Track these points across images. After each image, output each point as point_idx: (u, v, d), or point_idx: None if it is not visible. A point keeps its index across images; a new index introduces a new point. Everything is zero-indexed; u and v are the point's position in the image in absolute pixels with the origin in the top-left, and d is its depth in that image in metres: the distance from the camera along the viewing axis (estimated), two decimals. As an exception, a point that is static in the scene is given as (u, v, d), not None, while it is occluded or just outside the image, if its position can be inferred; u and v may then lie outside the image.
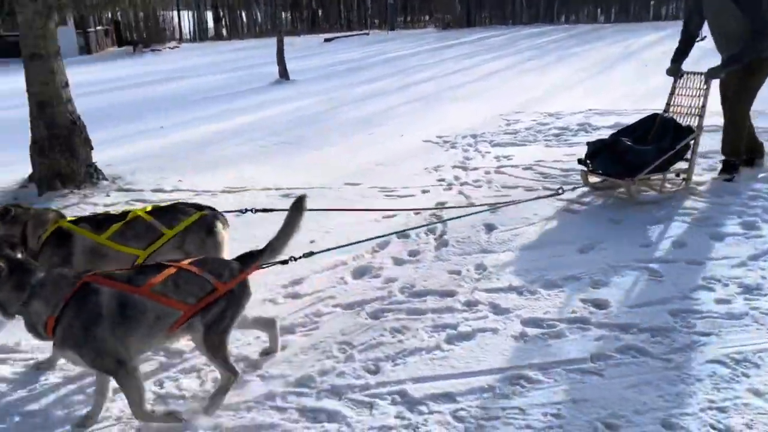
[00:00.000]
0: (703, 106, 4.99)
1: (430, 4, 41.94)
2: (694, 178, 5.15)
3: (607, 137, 5.25)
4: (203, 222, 3.28)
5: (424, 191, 5.58)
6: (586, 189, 5.16)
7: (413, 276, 3.81)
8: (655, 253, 3.97)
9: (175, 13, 35.33)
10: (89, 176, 5.91)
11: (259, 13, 38.87)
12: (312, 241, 4.23)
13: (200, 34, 35.69)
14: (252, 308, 3.43)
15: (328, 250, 3.50)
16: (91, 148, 6.03)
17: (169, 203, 3.60)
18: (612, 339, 3.00)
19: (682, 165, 5.06)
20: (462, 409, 2.56)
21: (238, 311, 2.61)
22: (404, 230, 4.37)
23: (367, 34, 31.71)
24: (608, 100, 9.85)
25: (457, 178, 5.96)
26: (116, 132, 8.81)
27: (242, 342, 3.14)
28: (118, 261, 3.12)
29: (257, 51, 22.68)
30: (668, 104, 5.33)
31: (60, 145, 5.66)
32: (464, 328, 3.16)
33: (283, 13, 26.17)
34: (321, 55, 21.39)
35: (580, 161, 5.06)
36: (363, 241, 3.81)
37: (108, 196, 5.72)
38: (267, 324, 3.01)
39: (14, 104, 11.29)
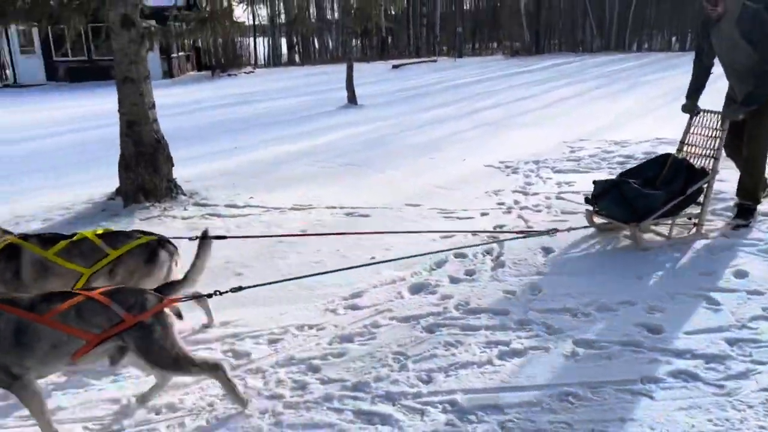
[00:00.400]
0: (719, 148, 4.70)
1: (498, 32, 42.14)
2: (706, 224, 4.79)
3: (614, 177, 5.04)
4: (146, 248, 3.35)
5: (483, 214, 5.69)
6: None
7: (468, 294, 3.93)
8: (715, 281, 3.93)
9: (252, 39, 37.00)
10: (169, 191, 6.35)
11: (330, 41, 40.15)
12: (372, 257, 4.44)
13: (274, 59, 37.19)
14: (314, 317, 3.68)
15: (315, 274, 3.67)
16: (173, 165, 6.49)
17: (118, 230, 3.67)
18: (664, 363, 3.02)
19: (693, 209, 4.80)
20: (510, 420, 2.66)
21: (160, 340, 2.56)
22: (460, 247, 4.52)
23: (435, 61, 32.12)
24: (678, 130, 9.65)
25: (516, 202, 6.04)
26: (194, 151, 9.36)
27: (302, 347, 3.34)
28: (65, 277, 3.23)
29: (327, 77, 23.42)
30: (682, 143, 5.03)
31: (145, 161, 6.13)
32: (516, 345, 3.26)
33: (353, 40, 27.01)
34: (389, 81, 21.86)
35: (587, 200, 4.89)
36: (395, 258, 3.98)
37: (186, 210, 6.13)
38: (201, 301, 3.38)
39: (105, 123, 12.18)
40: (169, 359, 2.58)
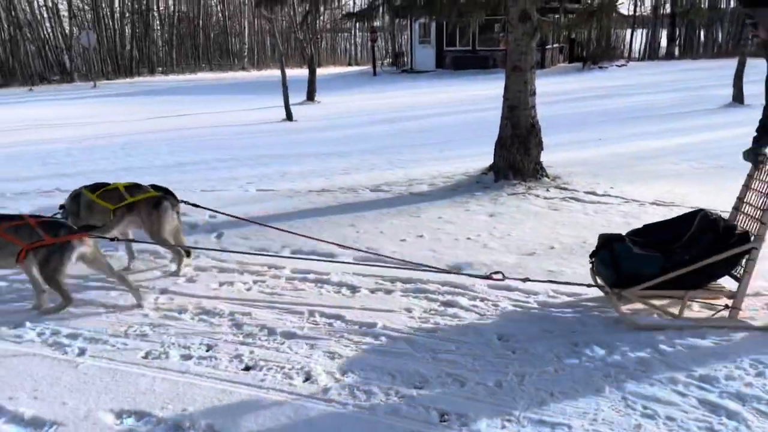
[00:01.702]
0: (766, 209, 3.41)
1: None
2: (745, 309, 3.53)
3: (619, 231, 3.90)
4: (153, 198, 4.43)
5: None
6: None
7: None
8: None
9: (629, 32, 35.53)
10: (535, 172, 6.91)
11: (720, 33, 35.94)
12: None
13: (650, 53, 35.11)
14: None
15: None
16: (541, 149, 7.02)
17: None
18: None
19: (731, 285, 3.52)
20: None
21: (60, 258, 3.73)
22: None
23: None
24: None
25: None
26: (558, 138, 9.76)
27: (651, 334, 3.46)
28: (102, 212, 4.42)
29: (709, 72, 21.26)
30: (740, 200, 3.77)
31: (519, 143, 6.79)
32: None
33: (748, 34, 23.69)
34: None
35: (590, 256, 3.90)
36: None
37: (548, 191, 6.61)
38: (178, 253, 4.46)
39: (482, 107, 13.52)
40: (56, 272, 3.76)
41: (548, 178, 7.04)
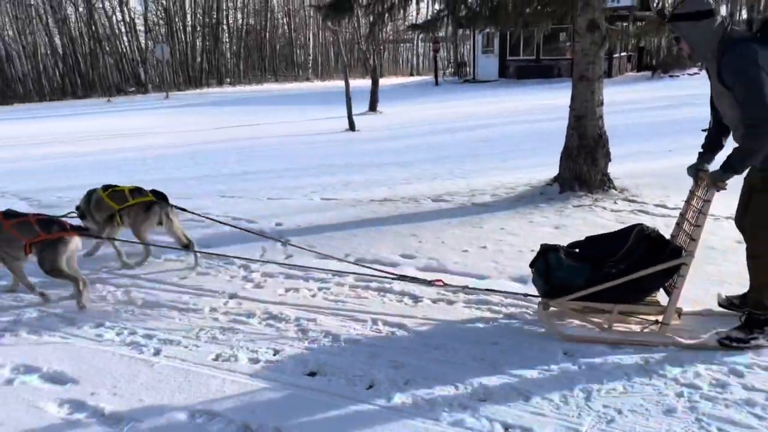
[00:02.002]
0: (697, 225, 3.34)
1: None
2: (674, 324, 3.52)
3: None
4: (147, 203, 4.97)
5: None
6: None
7: None
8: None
9: (702, 38, 34.10)
10: (602, 184, 6.74)
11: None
12: None
13: (725, 60, 33.58)
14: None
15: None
16: (609, 160, 6.85)
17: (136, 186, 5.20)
18: None
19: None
20: None
21: (53, 252, 4.20)
22: None
23: None
24: None
25: None
26: (625, 149, 9.50)
27: (730, 354, 3.32)
28: (108, 210, 4.91)
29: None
30: (681, 215, 3.74)
31: (585, 153, 6.65)
32: None
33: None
34: None
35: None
36: None
37: (615, 203, 6.43)
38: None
39: (546, 117, 13.33)
40: (53, 262, 4.21)
41: (616, 190, 6.85)
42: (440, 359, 3.31)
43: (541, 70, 26.98)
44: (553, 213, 6.19)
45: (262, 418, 2.82)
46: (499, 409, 2.82)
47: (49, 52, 40.23)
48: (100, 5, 40.68)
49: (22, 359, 3.49)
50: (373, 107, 19.24)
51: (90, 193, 5.22)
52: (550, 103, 16.59)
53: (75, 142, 14.88)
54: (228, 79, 43.15)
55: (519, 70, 28.09)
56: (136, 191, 5.08)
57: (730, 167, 3.21)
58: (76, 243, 4.40)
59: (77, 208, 5.26)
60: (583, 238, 3.92)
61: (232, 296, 4.36)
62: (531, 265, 3.78)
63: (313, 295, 4.33)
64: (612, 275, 3.45)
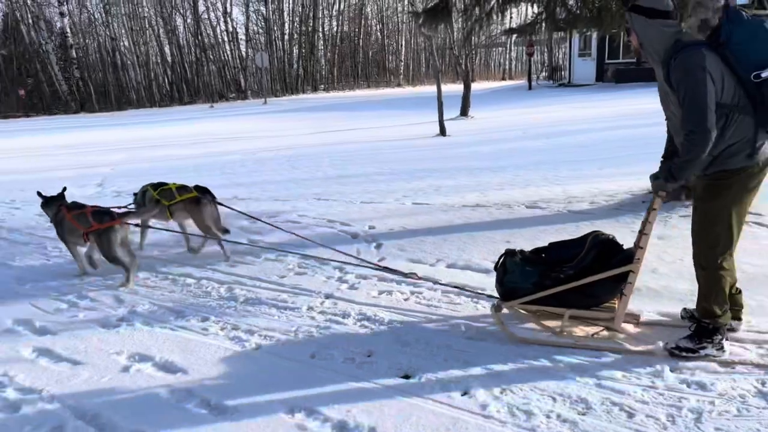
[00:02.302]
0: (644, 233, 3.36)
1: None
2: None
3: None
4: (194, 197, 5.45)
5: None
6: None
7: None
8: None
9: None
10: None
11: None
12: None
13: None
14: None
15: None
16: (719, 168, 6.44)
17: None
18: None
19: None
20: None
21: (107, 240, 4.84)
22: None
23: None
24: None
25: None
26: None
27: None
28: (158, 205, 5.40)
29: None
30: (643, 223, 3.57)
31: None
32: None
33: None
34: None
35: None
36: None
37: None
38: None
39: (645, 123, 12.72)
40: (110, 248, 4.86)
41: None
42: (537, 369, 3.24)
43: (641, 74, 25.71)
44: (656, 223, 5.87)
45: (359, 417, 2.88)
46: (601, 425, 2.73)
47: (159, 60, 43.00)
48: (206, 16, 43.06)
49: (137, 348, 3.75)
50: (464, 112, 19.13)
51: (144, 191, 5.71)
52: (650, 108, 15.78)
53: (181, 146, 15.80)
54: (322, 86, 44.36)
55: (618, 74, 26.98)
56: (182, 188, 5.60)
57: (671, 176, 3.14)
58: (125, 230, 5.02)
59: (135, 201, 5.76)
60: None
61: (328, 296, 4.48)
62: (494, 268, 3.84)
63: (406, 299, 4.36)
64: (560, 280, 3.51)
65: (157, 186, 5.66)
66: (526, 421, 2.78)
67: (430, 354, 3.48)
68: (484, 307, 4.12)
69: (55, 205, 5.19)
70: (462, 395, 3.03)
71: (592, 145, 11.68)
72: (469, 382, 3.13)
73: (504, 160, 10.53)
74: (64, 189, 5.42)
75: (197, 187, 5.63)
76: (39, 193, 5.33)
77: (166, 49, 43.01)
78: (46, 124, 28.84)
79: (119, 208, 5.29)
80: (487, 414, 2.85)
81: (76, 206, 5.09)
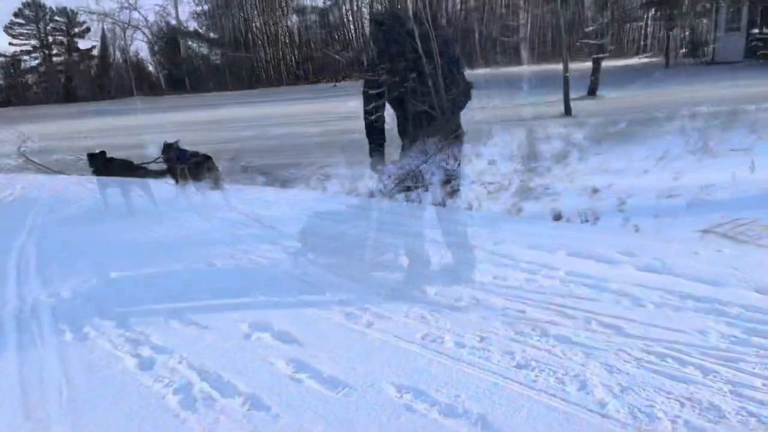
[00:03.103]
0: None
1: None
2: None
3: None
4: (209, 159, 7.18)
5: None
6: None
7: None
8: None
9: None
10: None
11: None
12: None
13: None
14: None
15: None
16: None
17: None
18: None
19: None
20: None
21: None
22: None
23: None
24: None
25: None
26: None
27: None
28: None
29: None
30: None
31: None
32: None
33: None
34: None
35: None
36: None
37: None
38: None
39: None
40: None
41: None
42: (662, 371, 3.01)
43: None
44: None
45: (467, 403, 2.83)
46: (733, 438, 2.49)
47: (287, 40, 44.72)
48: (332, -4, 44.05)
49: (257, 317, 3.94)
50: (592, 92, 18.15)
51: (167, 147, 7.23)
52: None
53: (304, 124, 16.38)
54: (442, 64, 43.99)
55: (772, 50, 24.28)
56: (194, 154, 7.13)
57: None
58: None
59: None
60: None
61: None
62: None
63: (521, 285, 4.22)
64: None
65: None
66: (648, 425, 2.59)
67: (546, 345, 3.34)
68: (607, 301, 3.88)
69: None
70: (578, 390, 2.88)
71: (736, 130, 10.61)
72: (587, 377, 2.97)
73: (632, 146, 9.85)
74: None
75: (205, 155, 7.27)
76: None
77: (295, 29, 44.58)
78: (185, 101, 31.07)
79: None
80: (606, 413, 2.69)
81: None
